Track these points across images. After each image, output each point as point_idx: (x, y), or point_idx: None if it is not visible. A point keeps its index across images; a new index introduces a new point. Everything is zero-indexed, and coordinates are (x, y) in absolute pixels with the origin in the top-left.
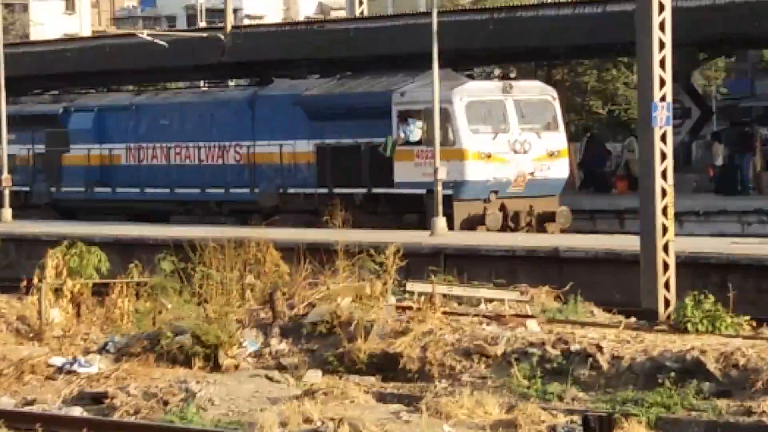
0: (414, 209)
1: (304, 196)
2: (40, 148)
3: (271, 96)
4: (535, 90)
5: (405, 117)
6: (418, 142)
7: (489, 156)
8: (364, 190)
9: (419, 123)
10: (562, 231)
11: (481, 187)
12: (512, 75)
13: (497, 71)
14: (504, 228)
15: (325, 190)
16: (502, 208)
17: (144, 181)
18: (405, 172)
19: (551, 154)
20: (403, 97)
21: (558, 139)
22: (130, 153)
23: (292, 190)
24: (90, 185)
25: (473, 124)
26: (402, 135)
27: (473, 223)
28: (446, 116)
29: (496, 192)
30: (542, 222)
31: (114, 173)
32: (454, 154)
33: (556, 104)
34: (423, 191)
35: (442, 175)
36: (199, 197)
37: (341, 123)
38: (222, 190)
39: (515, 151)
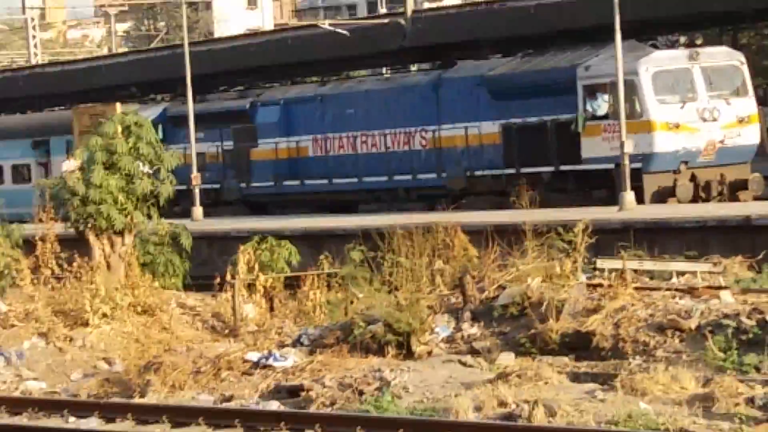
0: (603, 185)
1: (491, 178)
2: (229, 144)
3: (456, 78)
4: (722, 56)
5: (591, 91)
6: (605, 116)
7: (677, 126)
8: (551, 168)
9: (605, 96)
10: (755, 198)
11: (670, 158)
12: (698, 42)
13: (683, 39)
14: (695, 199)
15: (512, 171)
16: (693, 178)
17: (332, 172)
18: (592, 147)
19: (741, 121)
20: (587, 71)
21: (748, 105)
22: (317, 144)
23: (479, 172)
24: (279, 179)
25: (660, 94)
26: (589, 109)
27: (664, 195)
28: (632, 88)
29: (685, 162)
30: (734, 190)
31: (302, 165)
32: (641, 127)
33: (745, 69)
34: (611, 166)
35: (629, 148)
36: (387, 185)
37: (526, 101)
38: (409, 177)
39: (704, 120)
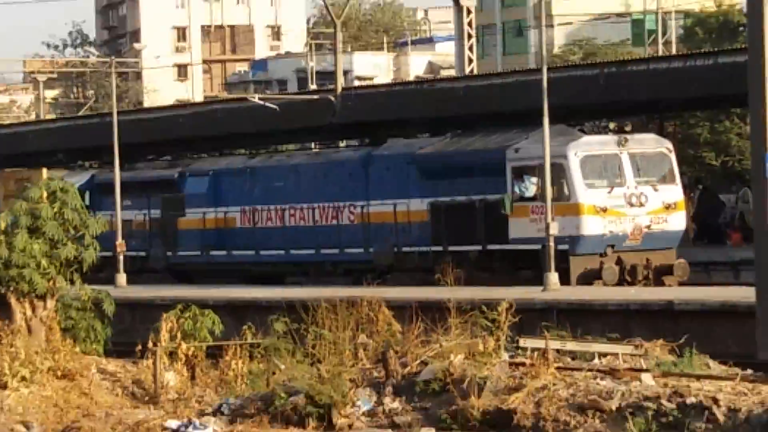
0: (529, 265)
1: (418, 255)
2: (156, 212)
3: (386, 155)
4: (650, 143)
5: (520, 173)
6: (533, 198)
7: (605, 210)
8: (479, 247)
9: (534, 179)
10: (680, 284)
11: (597, 241)
12: (627, 128)
13: (612, 125)
14: (621, 282)
15: (439, 248)
16: (619, 261)
17: (259, 244)
18: (520, 228)
19: (668, 207)
20: (517, 153)
21: (674, 192)
22: (245, 216)
23: (406, 249)
24: (206, 248)
25: (589, 178)
26: (517, 191)
27: (590, 277)
28: (561, 171)
29: (612, 246)
30: (660, 275)
31: (229, 236)
32: (569, 209)
33: (672, 156)
34: (538, 247)
35: (554, 230)
36: (314, 258)
37: (455, 180)
38: (336, 251)
39: (631, 205)
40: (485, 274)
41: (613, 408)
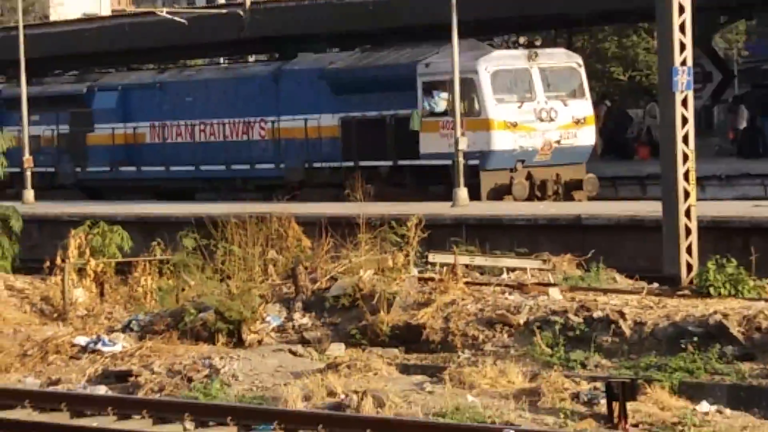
0: (440, 181)
1: (329, 171)
2: (65, 128)
3: (296, 70)
4: (560, 57)
5: (430, 88)
6: (444, 113)
7: (515, 125)
8: (389, 163)
9: (444, 94)
10: (590, 198)
11: (507, 156)
12: (537, 43)
13: (522, 39)
14: (531, 197)
15: (350, 164)
16: (529, 177)
17: (169, 159)
18: (430, 143)
19: (577, 122)
20: (427, 68)
21: (584, 107)
22: (154, 131)
23: (317, 165)
24: (115, 165)
25: (499, 93)
26: (427, 107)
27: (500, 193)
28: (471, 86)
29: (522, 161)
30: (569, 190)
31: (139, 152)
32: (479, 125)
33: (582, 71)
34: (449, 162)
35: (462, 145)
36: (225, 174)
37: (366, 96)
38: (247, 167)
39: (541, 120)
40: (396, 190)
41: (521, 322)
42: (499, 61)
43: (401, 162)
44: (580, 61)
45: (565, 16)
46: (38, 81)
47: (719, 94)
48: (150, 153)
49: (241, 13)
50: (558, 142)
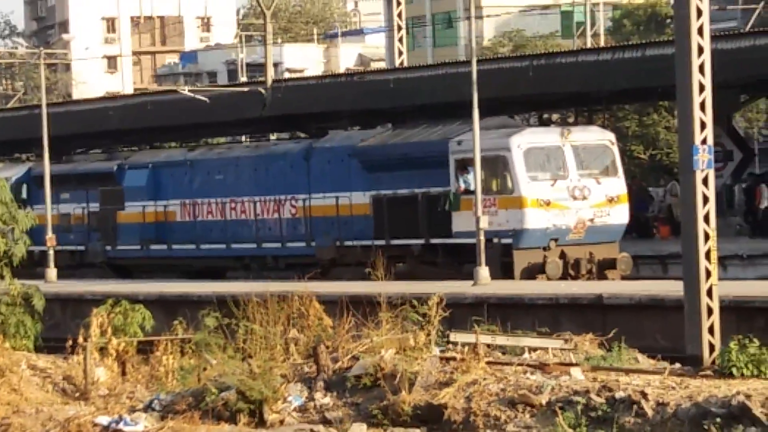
0: (473, 259)
1: (361, 249)
2: (95, 206)
3: (327, 148)
4: (593, 134)
5: (462, 166)
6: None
7: (548, 203)
8: (421, 241)
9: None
10: (623, 278)
11: (540, 234)
12: (570, 120)
13: (555, 116)
14: (565, 276)
15: (382, 242)
16: (562, 255)
17: (200, 237)
18: (463, 221)
19: (611, 200)
20: (460, 146)
21: (617, 184)
22: (185, 209)
23: (348, 243)
24: (145, 243)
25: (532, 171)
26: (460, 184)
27: (533, 271)
28: (504, 164)
29: (555, 239)
30: (603, 269)
31: (169, 230)
32: (513, 202)
33: (615, 149)
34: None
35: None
36: (256, 252)
37: (397, 173)
38: (278, 245)
39: (574, 198)
40: (429, 268)
41: (543, 402)
42: (531, 138)
43: (433, 240)
44: (613, 138)
45: (586, 95)
46: (68, 159)
47: (740, 173)
48: (180, 231)
49: (263, 91)
50: (591, 220)
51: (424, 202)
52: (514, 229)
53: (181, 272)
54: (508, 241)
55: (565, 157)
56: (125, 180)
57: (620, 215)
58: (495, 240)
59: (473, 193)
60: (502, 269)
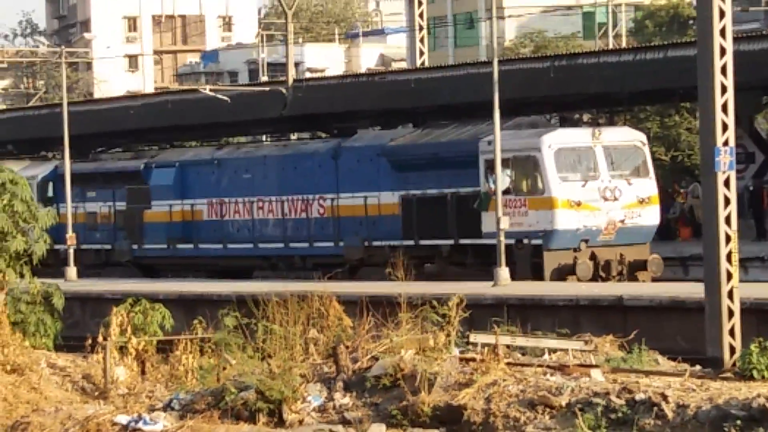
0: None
1: (389, 249)
2: (122, 205)
3: (355, 147)
4: (624, 135)
5: (493, 166)
6: (507, 191)
7: (579, 204)
8: (451, 242)
9: (507, 171)
10: (654, 279)
11: (571, 236)
12: (601, 120)
13: (586, 117)
14: (595, 278)
15: (411, 242)
16: (593, 257)
17: (227, 237)
18: (493, 222)
19: (641, 201)
20: (490, 146)
21: (648, 186)
22: (212, 208)
23: (377, 243)
24: (172, 242)
25: (562, 171)
26: (491, 184)
27: (563, 273)
28: (534, 164)
29: (586, 241)
30: (633, 271)
31: (196, 229)
32: (543, 203)
33: (646, 149)
34: (512, 241)
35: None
36: (283, 252)
37: (427, 173)
38: (306, 244)
39: (605, 199)
40: (458, 269)
41: (563, 404)
42: (563, 138)
43: (463, 241)
44: (644, 138)
45: (606, 96)
46: (95, 157)
47: (762, 174)
48: (207, 230)
49: (284, 90)
50: (622, 221)
51: (454, 202)
52: (545, 230)
53: (207, 272)
54: (539, 242)
55: (596, 157)
56: (152, 179)
57: (651, 216)
58: (525, 241)
59: (503, 193)
60: (533, 270)
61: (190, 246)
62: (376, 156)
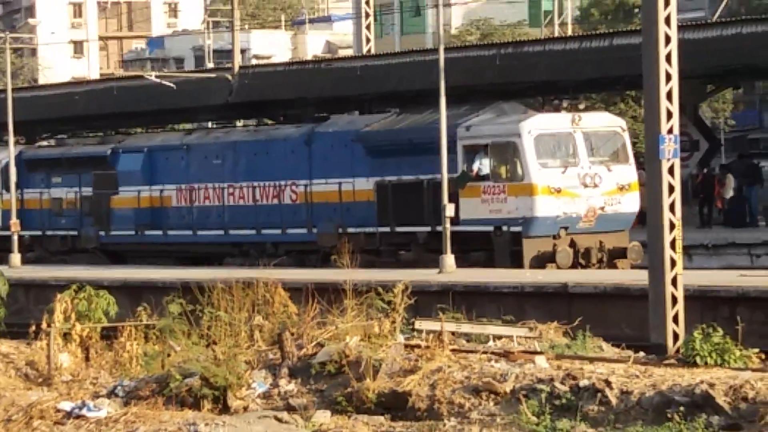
0: (481, 247)
1: (364, 236)
2: (88, 190)
3: (329, 133)
4: (604, 121)
5: (471, 152)
6: (485, 178)
7: (559, 191)
8: (427, 229)
9: (485, 158)
10: (633, 267)
11: (551, 223)
12: (581, 106)
13: (565, 102)
14: (575, 265)
15: (386, 229)
16: (572, 244)
17: (196, 223)
18: (471, 208)
19: (621, 188)
20: (468, 132)
21: (628, 172)
22: (181, 194)
23: (351, 230)
24: (140, 228)
25: (542, 158)
26: (468, 170)
27: (543, 260)
28: (514, 150)
29: (566, 228)
30: (613, 258)
31: (165, 215)
32: (522, 189)
33: (626, 135)
34: (490, 228)
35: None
36: (255, 239)
37: (402, 159)
38: (278, 231)
39: (585, 185)
40: (435, 256)
41: (507, 390)
42: (542, 124)
43: (440, 228)
44: (624, 124)
45: (553, 84)
46: (60, 142)
47: (706, 162)
48: (177, 217)
49: (230, 77)
50: (602, 208)
51: (430, 189)
52: (524, 216)
53: (176, 259)
54: (518, 229)
55: (576, 143)
56: (119, 164)
57: (631, 203)
58: (504, 228)
59: (480, 179)
60: (512, 258)
61: (159, 233)
62: (351, 142)
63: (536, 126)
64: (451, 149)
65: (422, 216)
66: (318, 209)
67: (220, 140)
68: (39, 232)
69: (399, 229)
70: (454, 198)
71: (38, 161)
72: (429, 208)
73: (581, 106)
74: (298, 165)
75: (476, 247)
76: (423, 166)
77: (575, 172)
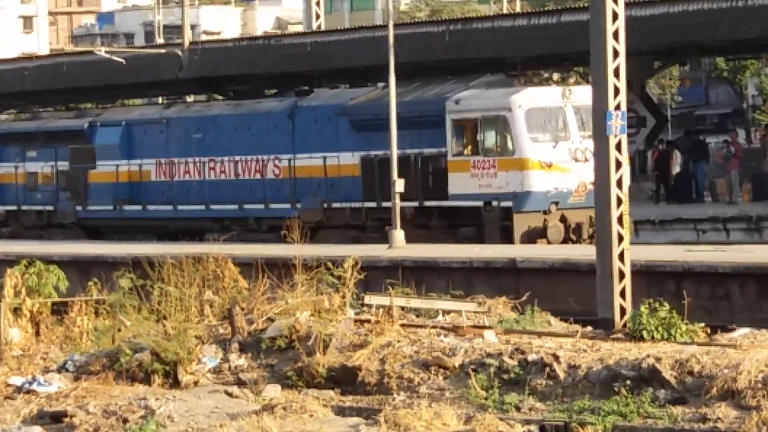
0: (470, 222)
1: (350, 211)
2: (64, 165)
3: (313, 107)
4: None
5: (460, 126)
6: (475, 153)
7: (550, 165)
8: (415, 204)
9: (476, 132)
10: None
11: (542, 198)
12: (570, 80)
13: (555, 76)
14: (566, 241)
15: (372, 204)
16: (563, 219)
17: (177, 198)
18: (460, 183)
19: None
20: (457, 105)
21: None
22: (161, 168)
23: (336, 205)
24: (118, 203)
25: (533, 132)
26: (457, 145)
27: (534, 236)
28: (505, 124)
29: (556, 203)
30: None
31: (144, 190)
32: (513, 164)
33: None
34: (480, 203)
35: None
36: (237, 214)
37: (389, 133)
38: (261, 206)
39: (576, 160)
40: (422, 232)
41: (456, 365)
42: (533, 98)
43: (428, 203)
44: None
45: (501, 60)
46: (36, 115)
47: (653, 139)
48: (156, 191)
49: (180, 53)
50: (593, 183)
51: (418, 163)
52: (515, 191)
53: (156, 234)
54: (508, 204)
55: (567, 117)
56: (97, 138)
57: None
58: (494, 203)
59: (472, 154)
60: (502, 233)
61: (138, 207)
62: (335, 116)
63: (527, 100)
64: (439, 123)
65: (409, 191)
66: (302, 184)
67: (200, 114)
68: (14, 207)
69: (385, 204)
70: (443, 173)
71: (12, 135)
72: (416, 183)
73: (571, 80)
74: (281, 139)
75: (465, 222)
76: (410, 140)
77: (566, 146)
